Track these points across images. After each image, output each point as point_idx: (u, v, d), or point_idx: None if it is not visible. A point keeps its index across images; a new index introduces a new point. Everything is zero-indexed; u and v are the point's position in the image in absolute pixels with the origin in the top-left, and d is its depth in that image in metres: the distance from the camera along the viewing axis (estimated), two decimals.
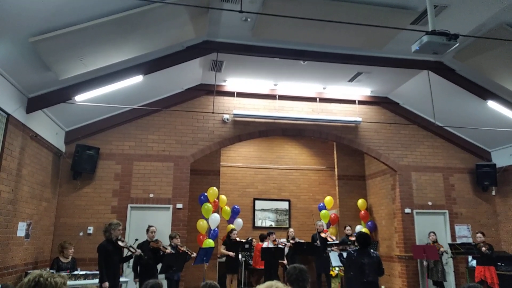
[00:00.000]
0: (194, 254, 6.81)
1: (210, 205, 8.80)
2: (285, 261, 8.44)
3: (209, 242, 8.29)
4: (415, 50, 4.29)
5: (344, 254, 5.69)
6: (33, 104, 6.10)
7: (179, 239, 6.97)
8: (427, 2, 4.56)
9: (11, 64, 5.16)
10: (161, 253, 6.44)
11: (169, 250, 6.51)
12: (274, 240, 8.45)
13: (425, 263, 8.29)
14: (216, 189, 9.01)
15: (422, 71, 7.88)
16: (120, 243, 5.84)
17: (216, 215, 8.81)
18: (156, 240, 6.65)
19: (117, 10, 5.05)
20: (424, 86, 8.09)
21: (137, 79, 6.96)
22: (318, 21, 5.24)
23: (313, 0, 5.52)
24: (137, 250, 6.04)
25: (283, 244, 8.40)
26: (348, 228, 9.08)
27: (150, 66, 6.80)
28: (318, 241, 8.43)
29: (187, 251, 6.77)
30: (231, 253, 7.96)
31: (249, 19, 6.22)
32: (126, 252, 6.07)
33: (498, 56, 6.61)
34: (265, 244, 8.44)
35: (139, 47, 6.06)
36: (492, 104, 7.94)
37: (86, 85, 6.46)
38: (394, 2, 5.70)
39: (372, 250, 5.40)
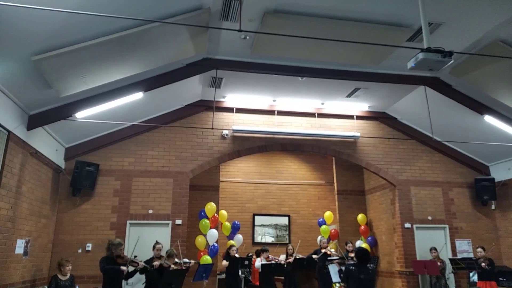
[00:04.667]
0: (193, 262, 6.80)
1: (208, 221, 8.78)
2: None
3: (206, 259, 8.23)
4: (411, 67, 4.36)
5: (343, 268, 5.66)
6: (34, 121, 6.14)
7: (175, 258, 6.92)
8: (422, 20, 4.65)
9: (13, 82, 5.22)
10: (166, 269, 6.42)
11: (173, 266, 6.48)
12: (268, 257, 8.39)
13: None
14: (214, 205, 8.99)
15: (419, 86, 7.97)
16: (119, 260, 5.82)
17: (214, 231, 8.78)
18: (160, 256, 6.62)
19: (118, 29, 5.14)
20: (422, 101, 8.17)
21: (137, 96, 7.03)
22: (315, 39, 5.33)
23: (311, 18, 5.64)
24: (140, 263, 6.01)
25: (276, 261, 8.33)
26: (349, 244, 9.03)
27: (150, 83, 6.88)
28: (317, 257, 8.38)
29: (186, 263, 6.74)
30: (224, 262, 7.94)
31: (248, 37, 6.33)
32: (129, 268, 6.00)
33: (493, 71, 6.71)
34: (257, 261, 8.37)
35: (140, 64, 6.15)
36: (489, 119, 8.01)
37: (86, 102, 6.52)
38: (390, 20, 5.81)
39: (368, 265, 5.37)
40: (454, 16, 5.71)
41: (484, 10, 5.52)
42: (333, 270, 6.98)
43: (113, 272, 5.70)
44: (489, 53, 6.05)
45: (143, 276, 6.47)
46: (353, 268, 5.32)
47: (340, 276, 5.78)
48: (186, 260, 6.86)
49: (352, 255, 8.55)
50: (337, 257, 8.26)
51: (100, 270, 5.80)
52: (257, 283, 8.64)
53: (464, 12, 5.60)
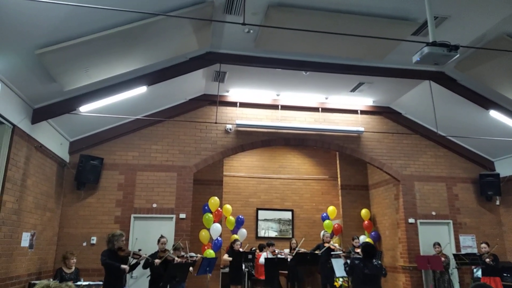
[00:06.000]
0: (199, 256, 6.86)
1: (211, 215, 8.80)
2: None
3: (209, 253, 8.27)
4: (416, 61, 4.32)
5: (349, 261, 5.66)
6: (38, 115, 6.17)
7: (182, 251, 6.96)
8: (427, 14, 4.61)
9: (17, 75, 5.24)
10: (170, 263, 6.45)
11: (177, 259, 6.51)
12: (274, 251, 8.41)
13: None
14: (218, 199, 9.02)
15: (423, 81, 7.93)
16: (121, 252, 5.86)
17: (217, 225, 8.81)
18: (165, 250, 6.65)
19: (122, 23, 5.13)
20: (426, 96, 8.12)
21: (141, 90, 7.03)
22: (319, 33, 5.30)
23: (315, 12, 5.61)
24: (142, 255, 6.04)
25: (282, 254, 8.36)
26: (356, 240, 9.01)
27: (154, 77, 6.88)
28: (320, 251, 8.39)
29: (192, 257, 6.77)
30: (228, 258, 7.95)
31: (251, 31, 6.30)
32: (131, 261, 6.03)
33: (499, 66, 6.65)
34: (263, 255, 8.40)
35: (143, 58, 6.15)
36: (494, 114, 7.95)
37: (90, 96, 6.54)
38: (395, 13, 5.77)
39: (374, 260, 5.35)
40: (460, 10, 5.65)
41: (490, 4, 5.46)
42: (337, 264, 6.97)
43: (113, 268, 5.73)
44: (495, 47, 5.98)
45: (148, 269, 6.50)
46: (358, 262, 5.31)
47: (345, 270, 5.78)
48: (192, 254, 6.89)
49: (358, 250, 8.56)
50: (341, 252, 8.26)
51: (101, 263, 5.84)
52: (260, 277, 8.67)
53: (470, 6, 5.55)
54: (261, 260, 8.39)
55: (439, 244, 8.47)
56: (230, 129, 8.73)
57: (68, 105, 6.42)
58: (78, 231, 7.60)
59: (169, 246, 6.97)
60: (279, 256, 8.20)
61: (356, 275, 5.29)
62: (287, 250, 9.01)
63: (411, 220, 8.99)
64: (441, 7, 5.55)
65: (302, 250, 8.56)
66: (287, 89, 8.58)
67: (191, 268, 6.60)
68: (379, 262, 5.50)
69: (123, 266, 5.76)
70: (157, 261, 6.25)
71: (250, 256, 8.09)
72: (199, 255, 7.05)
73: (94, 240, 7.60)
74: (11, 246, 5.58)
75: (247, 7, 5.46)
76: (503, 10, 5.56)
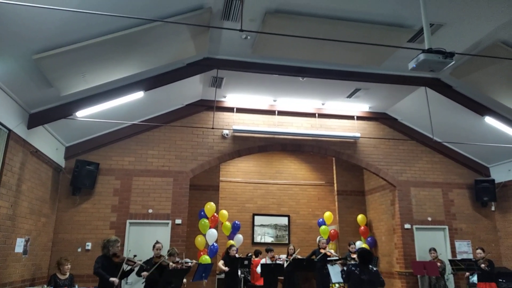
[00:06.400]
0: (194, 262, 6.84)
1: (207, 221, 8.77)
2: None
3: (205, 259, 8.23)
4: (412, 68, 4.35)
5: (345, 268, 5.64)
6: (34, 120, 6.14)
7: (176, 257, 6.91)
8: (423, 21, 4.65)
9: (13, 80, 5.22)
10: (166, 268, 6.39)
11: (171, 264, 6.46)
12: (273, 257, 8.39)
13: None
14: (214, 204, 8.99)
15: (419, 87, 7.98)
16: (115, 259, 5.81)
17: (213, 230, 8.77)
18: (160, 255, 6.60)
19: (119, 28, 5.14)
20: (422, 102, 8.18)
21: (138, 95, 7.02)
22: (317, 39, 5.33)
23: (312, 18, 5.64)
24: (137, 261, 5.98)
25: (281, 260, 8.35)
26: (352, 245, 9.01)
27: (151, 82, 6.87)
28: (316, 257, 8.38)
29: (187, 263, 6.74)
30: (225, 268, 7.89)
31: (249, 37, 6.32)
32: (126, 267, 5.97)
33: (494, 73, 6.71)
34: (262, 261, 8.37)
35: (140, 64, 6.15)
36: (489, 120, 8.02)
37: (87, 101, 6.52)
38: (391, 20, 5.81)
39: (371, 267, 5.34)
40: (455, 17, 5.71)
41: (485, 12, 5.52)
42: (334, 271, 6.96)
43: (103, 279, 5.64)
44: (490, 54, 6.05)
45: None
46: (354, 268, 5.30)
47: (342, 277, 5.76)
48: (187, 259, 6.85)
49: (355, 256, 8.54)
50: (337, 258, 8.25)
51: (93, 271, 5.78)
52: (257, 283, 8.64)
53: (465, 13, 5.60)
54: (258, 269, 8.36)
55: (435, 250, 8.48)
56: (227, 135, 8.73)
57: (64, 110, 6.40)
58: (73, 237, 7.54)
59: (165, 252, 6.93)
60: (277, 261, 8.17)
61: (352, 281, 5.27)
62: (284, 256, 8.99)
63: (407, 226, 9.01)
64: (436, 15, 5.60)
65: (299, 256, 8.55)
66: (284, 94, 8.60)
67: (184, 280, 6.53)
68: (376, 268, 5.49)
69: (111, 279, 5.61)
70: (144, 273, 6.14)
71: (246, 262, 8.06)
72: (194, 261, 7.01)
73: (89, 245, 7.54)
74: (5, 252, 5.53)
75: (245, 14, 5.49)
76: (498, 17, 5.62)
